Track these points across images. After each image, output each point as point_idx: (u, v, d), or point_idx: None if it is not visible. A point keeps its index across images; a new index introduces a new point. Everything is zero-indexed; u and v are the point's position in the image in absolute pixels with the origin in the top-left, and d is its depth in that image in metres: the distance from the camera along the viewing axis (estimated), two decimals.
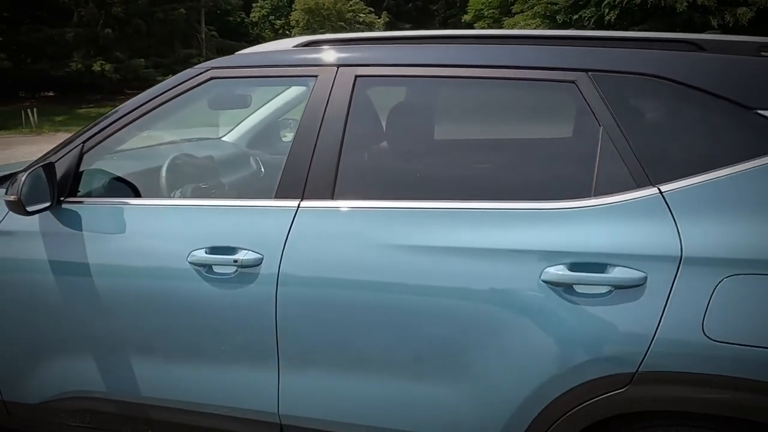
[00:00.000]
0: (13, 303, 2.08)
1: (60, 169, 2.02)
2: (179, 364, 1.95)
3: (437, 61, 1.88)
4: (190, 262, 1.86)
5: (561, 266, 1.57)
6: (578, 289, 1.57)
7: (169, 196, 2.31)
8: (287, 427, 1.88)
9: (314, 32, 31.12)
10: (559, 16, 21.01)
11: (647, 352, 1.50)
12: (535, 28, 20.91)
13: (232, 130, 3.28)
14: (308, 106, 1.91)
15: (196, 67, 2.11)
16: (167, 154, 2.57)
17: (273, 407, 1.87)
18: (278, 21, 41.87)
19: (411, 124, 2.11)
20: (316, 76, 1.93)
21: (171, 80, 2.11)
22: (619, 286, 1.53)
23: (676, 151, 1.62)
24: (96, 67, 23.48)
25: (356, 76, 1.89)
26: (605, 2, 18.76)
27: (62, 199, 2.02)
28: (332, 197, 1.82)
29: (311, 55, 2.02)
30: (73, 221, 2.01)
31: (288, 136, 3.23)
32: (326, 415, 1.84)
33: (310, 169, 1.84)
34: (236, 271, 1.82)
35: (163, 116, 2.14)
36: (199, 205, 2.10)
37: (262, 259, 1.80)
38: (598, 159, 1.65)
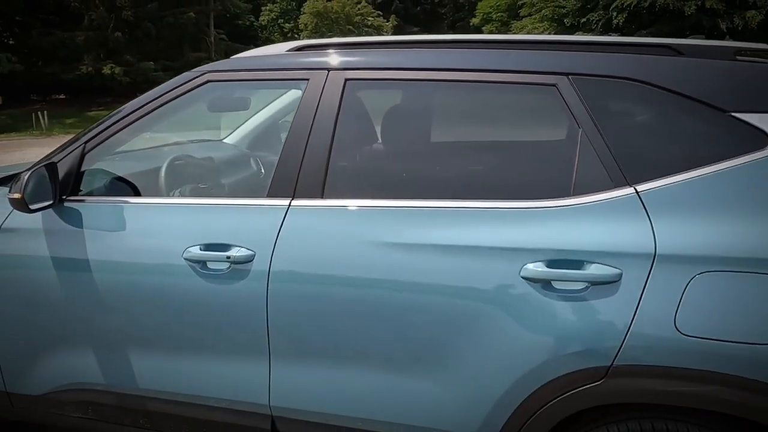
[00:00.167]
0: (17, 298, 2.15)
1: (62, 169, 2.09)
2: (176, 357, 2.01)
3: (424, 65, 1.93)
4: (185, 259, 1.91)
5: (539, 263, 1.62)
6: (556, 285, 1.61)
7: (168, 196, 2.36)
8: (278, 419, 1.94)
9: (323, 36, 31.16)
10: (567, 19, 20.97)
11: (622, 345, 1.54)
12: (542, 32, 20.88)
13: (233, 132, 3.36)
14: (300, 108, 1.97)
15: (193, 70, 2.17)
16: (167, 154, 2.64)
17: (264, 399, 1.92)
18: (287, 24, 41.94)
19: (397, 125, 2.18)
20: (307, 80, 1.99)
21: (169, 83, 2.17)
22: (595, 282, 1.58)
23: (653, 153, 1.67)
24: (106, 70, 23.74)
25: (346, 80, 1.95)
26: (613, 5, 18.69)
27: (64, 197, 2.09)
28: (322, 196, 1.87)
29: (303, 59, 2.08)
30: (75, 219, 2.08)
31: None
32: (314, 407, 1.89)
33: (300, 168, 1.90)
34: (229, 267, 1.88)
35: (161, 118, 2.20)
36: (195, 203, 2.17)
37: (254, 255, 1.86)
38: (577, 160, 1.70)
